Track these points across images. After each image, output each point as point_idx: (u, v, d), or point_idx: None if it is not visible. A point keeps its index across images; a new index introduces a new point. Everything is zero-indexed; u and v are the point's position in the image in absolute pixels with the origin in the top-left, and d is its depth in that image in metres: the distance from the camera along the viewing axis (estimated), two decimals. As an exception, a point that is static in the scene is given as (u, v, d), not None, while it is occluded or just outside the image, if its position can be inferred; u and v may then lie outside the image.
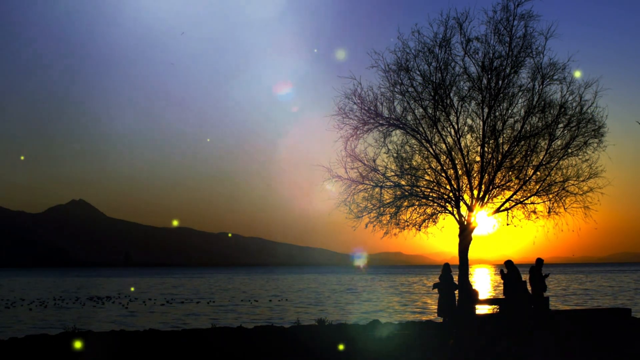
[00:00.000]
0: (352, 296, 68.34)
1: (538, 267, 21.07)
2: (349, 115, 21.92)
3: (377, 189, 21.90)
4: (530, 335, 19.70)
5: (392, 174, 21.94)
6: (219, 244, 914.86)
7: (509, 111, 21.46)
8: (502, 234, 22.37)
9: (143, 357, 17.50)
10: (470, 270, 21.75)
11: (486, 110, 21.40)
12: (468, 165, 21.54)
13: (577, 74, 21.10)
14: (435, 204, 21.89)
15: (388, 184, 21.93)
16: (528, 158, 21.52)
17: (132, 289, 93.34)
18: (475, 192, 21.47)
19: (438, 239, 22.26)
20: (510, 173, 21.66)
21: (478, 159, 21.62)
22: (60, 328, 32.66)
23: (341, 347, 18.27)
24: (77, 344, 18.93)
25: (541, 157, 21.49)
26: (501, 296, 21.57)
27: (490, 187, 21.49)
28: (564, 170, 21.54)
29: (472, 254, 21.62)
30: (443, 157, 21.72)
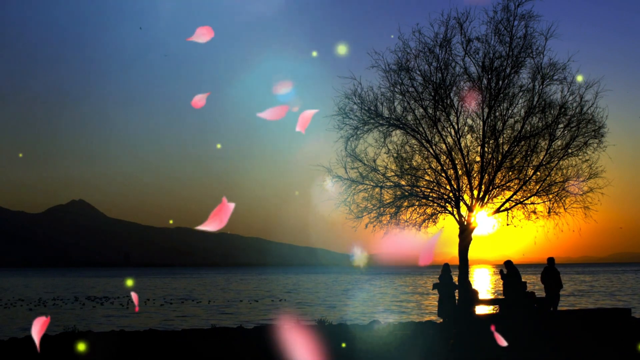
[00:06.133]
0: (352, 296, 68.35)
1: (551, 266, 21.16)
2: (349, 115, 21.94)
3: (377, 189, 21.90)
4: (530, 335, 19.69)
5: (392, 174, 21.95)
6: (219, 244, 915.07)
7: (509, 111, 21.50)
8: (502, 234, 22.41)
9: (143, 357, 17.49)
10: (470, 270, 21.75)
11: (486, 110, 21.41)
12: (468, 165, 21.54)
13: (579, 78, 21.10)
14: (435, 204, 21.89)
15: (388, 184, 21.93)
16: (528, 158, 21.53)
17: (130, 282, 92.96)
18: (475, 192, 21.46)
19: (438, 239, 22.25)
20: (510, 173, 21.67)
21: (478, 159, 21.63)
22: (60, 328, 32.66)
23: (343, 345, 18.25)
24: (78, 344, 18.92)
25: (541, 157, 21.50)
26: (501, 296, 21.59)
27: (490, 187, 21.49)
28: (564, 171, 21.56)
29: (472, 254, 21.62)
30: (443, 157, 21.73)
